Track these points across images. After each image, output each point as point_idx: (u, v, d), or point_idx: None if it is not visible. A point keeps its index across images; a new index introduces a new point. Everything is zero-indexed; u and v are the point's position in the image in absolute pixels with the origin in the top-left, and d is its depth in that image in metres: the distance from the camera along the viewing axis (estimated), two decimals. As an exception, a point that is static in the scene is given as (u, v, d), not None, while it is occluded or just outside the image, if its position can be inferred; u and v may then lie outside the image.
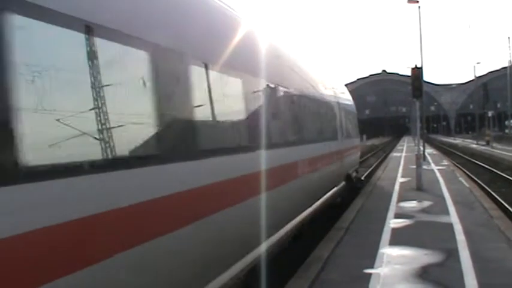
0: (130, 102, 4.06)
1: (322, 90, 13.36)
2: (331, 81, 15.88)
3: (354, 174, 19.26)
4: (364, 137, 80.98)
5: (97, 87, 3.68)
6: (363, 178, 22.26)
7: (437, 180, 20.68)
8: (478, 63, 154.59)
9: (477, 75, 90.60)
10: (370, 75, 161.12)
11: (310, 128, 11.05)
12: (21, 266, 2.94)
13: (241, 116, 6.70)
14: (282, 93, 8.79)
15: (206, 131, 5.38)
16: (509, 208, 14.95)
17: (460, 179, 21.37)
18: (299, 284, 7.38)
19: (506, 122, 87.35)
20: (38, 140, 3.17)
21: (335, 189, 14.31)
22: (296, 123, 9.63)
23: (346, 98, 19.10)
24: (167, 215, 4.29)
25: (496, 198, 16.99)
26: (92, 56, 3.64)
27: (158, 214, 4.15)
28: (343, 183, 15.87)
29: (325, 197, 12.52)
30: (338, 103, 15.42)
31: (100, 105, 3.69)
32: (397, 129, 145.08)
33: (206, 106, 5.45)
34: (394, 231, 10.77)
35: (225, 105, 6.16)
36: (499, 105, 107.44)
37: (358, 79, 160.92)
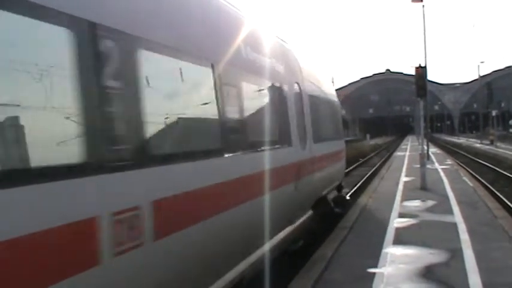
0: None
1: (253, 61, 7.12)
2: (283, 52, 9.01)
3: (334, 194, 13.83)
4: (368, 136, 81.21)
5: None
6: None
7: (441, 180, 20.64)
8: (482, 62, 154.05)
9: (481, 75, 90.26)
10: (374, 74, 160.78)
11: (210, 131, 5.75)
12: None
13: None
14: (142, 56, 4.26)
15: None
16: (514, 208, 14.92)
17: (464, 178, 21.33)
18: (302, 284, 7.38)
19: (511, 122, 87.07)
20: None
21: (289, 229, 8.70)
22: (169, 123, 4.75)
23: (322, 84, 13.03)
24: None
25: (499, 197, 16.97)
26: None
27: None
28: (309, 213, 10.34)
29: (260, 251, 7.10)
30: (300, 89, 9.56)
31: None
32: (401, 128, 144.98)
33: None
34: (398, 230, 10.75)
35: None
36: (503, 105, 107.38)
37: (361, 78, 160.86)
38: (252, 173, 6.45)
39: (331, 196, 13.11)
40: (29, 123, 3.05)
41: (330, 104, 13.66)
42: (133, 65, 4.14)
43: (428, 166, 22.69)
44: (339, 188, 14.89)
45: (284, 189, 7.89)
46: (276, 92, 8.11)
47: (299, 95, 9.46)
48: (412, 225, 11.36)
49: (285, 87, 8.57)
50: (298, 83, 9.48)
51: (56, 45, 3.38)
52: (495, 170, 27.82)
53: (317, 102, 11.30)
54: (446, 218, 11.93)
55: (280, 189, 7.64)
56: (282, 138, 8.14)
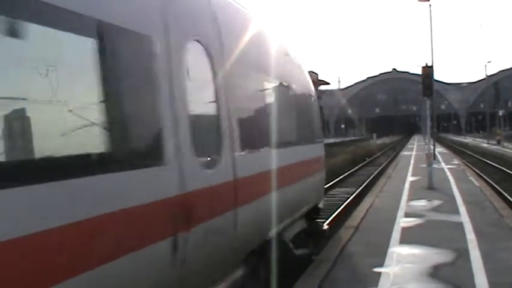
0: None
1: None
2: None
3: (300, 226, 8.90)
4: (375, 135, 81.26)
5: None
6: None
7: (448, 179, 20.61)
8: (489, 62, 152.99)
9: (488, 74, 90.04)
10: (381, 73, 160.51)
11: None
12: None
13: None
14: None
15: None
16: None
17: (470, 178, 21.29)
18: (308, 283, 7.40)
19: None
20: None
21: None
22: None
23: (279, 57, 8.05)
24: None
25: (506, 197, 16.92)
26: None
27: None
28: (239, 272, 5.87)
29: None
30: (209, 55, 5.09)
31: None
32: (408, 127, 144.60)
33: None
34: (404, 230, 10.75)
35: None
36: (509, 104, 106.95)
37: (368, 78, 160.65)
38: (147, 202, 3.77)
39: (294, 231, 8.43)
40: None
41: (292, 90, 8.59)
42: None
43: (435, 166, 22.64)
44: (314, 212, 10.05)
45: (138, 256, 3.67)
46: (115, 54, 3.70)
47: (203, 67, 5.09)
48: (419, 224, 11.35)
49: (150, 46, 4.10)
50: (200, 42, 5.01)
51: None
52: (502, 170, 27.72)
53: (262, 83, 7.01)
54: (453, 218, 11.91)
55: (125, 259, 3.51)
56: (128, 153, 3.87)
